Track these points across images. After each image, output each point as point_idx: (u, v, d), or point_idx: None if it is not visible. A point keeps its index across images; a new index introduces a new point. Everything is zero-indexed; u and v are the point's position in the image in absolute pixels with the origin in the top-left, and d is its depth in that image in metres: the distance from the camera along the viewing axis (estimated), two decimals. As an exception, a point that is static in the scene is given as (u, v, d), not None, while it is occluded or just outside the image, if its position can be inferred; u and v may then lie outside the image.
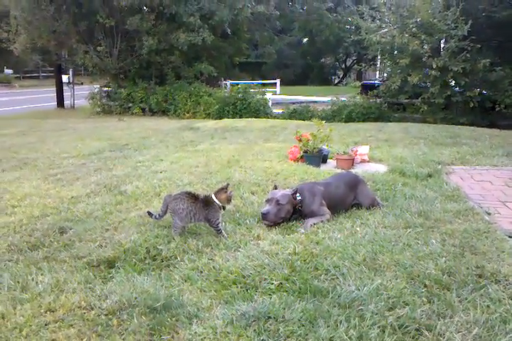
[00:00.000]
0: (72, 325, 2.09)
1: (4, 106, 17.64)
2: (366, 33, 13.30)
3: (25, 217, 3.59)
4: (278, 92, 22.41)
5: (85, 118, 13.52)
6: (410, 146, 7.20)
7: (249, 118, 12.55)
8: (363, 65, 16.17)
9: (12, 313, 2.18)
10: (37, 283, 2.50)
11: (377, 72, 24.07)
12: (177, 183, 4.79)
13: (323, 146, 5.77)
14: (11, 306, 2.25)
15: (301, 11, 32.84)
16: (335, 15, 31.09)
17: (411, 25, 12.55)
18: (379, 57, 17.84)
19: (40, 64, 33.85)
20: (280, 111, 14.61)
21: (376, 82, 17.15)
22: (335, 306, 2.26)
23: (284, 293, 2.40)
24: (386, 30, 14.04)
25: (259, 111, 14.20)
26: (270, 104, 14.94)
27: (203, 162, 5.87)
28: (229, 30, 16.19)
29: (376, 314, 2.13)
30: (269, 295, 2.40)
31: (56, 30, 14.04)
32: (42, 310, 2.21)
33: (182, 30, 14.53)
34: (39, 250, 2.99)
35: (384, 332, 2.00)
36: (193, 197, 3.30)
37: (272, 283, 2.52)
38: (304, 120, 12.90)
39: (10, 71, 34.53)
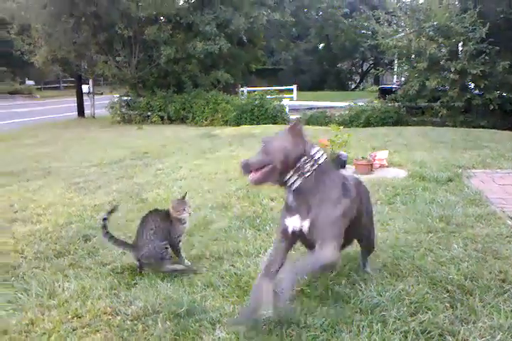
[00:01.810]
0: (98, 331, 2.14)
1: (26, 117, 18.05)
2: (382, 38, 13.26)
3: (51, 225, 3.68)
4: (295, 98, 22.46)
5: (105, 127, 13.75)
6: (430, 150, 7.14)
7: (267, 125, 12.59)
8: (380, 69, 16.09)
9: (41, 319, 2.24)
10: (63, 289, 2.56)
11: (395, 76, 23.99)
12: (197, 190, 4.85)
13: (341, 152, 5.77)
14: (39, 312, 2.31)
15: (316, 17, 32.94)
16: (350, 20, 31.11)
17: (428, 29, 12.48)
18: (396, 61, 17.77)
19: (61, 75, 34.60)
20: (297, 116, 14.62)
21: (394, 86, 17.06)
22: (357, 312, 2.26)
23: (306, 299, 2.42)
24: (403, 34, 13.99)
25: (276, 117, 14.24)
26: (287, 110, 14.97)
27: (222, 169, 5.92)
28: (245, 38, 16.31)
29: (398, 319, 2.13)
30: (291, 301, 2.42)
31: (76, 41, 14.36)
32: (69, 316, 2.26)
33: (199, 39, 14.71)
34: (65, 257, 3.07)
35: (407, 337, 2.00)
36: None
37: (294, 289, 2.53)
38: (321, 125, 12.88)
39: (31, 82, 35.33)
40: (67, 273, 2.80)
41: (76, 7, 13.86)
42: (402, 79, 16.05)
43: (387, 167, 5.87)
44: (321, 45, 39.62)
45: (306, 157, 2.07)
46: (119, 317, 2.24)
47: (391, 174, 5.38)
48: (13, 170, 6.25)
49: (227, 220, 3.81)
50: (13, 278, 2.75)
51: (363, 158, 5.57)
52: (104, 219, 2.91)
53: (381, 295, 2.40)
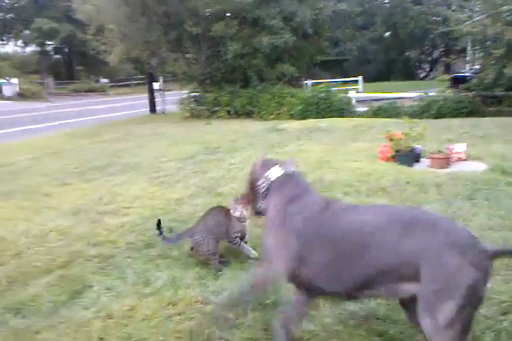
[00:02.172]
0: (192, 318, 2.29)
1: (102, 114, 19.04)
2: (456, 24, 12.66)
3: (138, 217, 3.93)
4: (360, 90, 21.97)
5: (176, 122, 14.22)
6: (510, 143, 6.79)
7: (333, 118, 12.46)
8: (453, 57, 15.37)
9: (139, 306, 2.42)
10: (156, 278, 2.75)
11: (467, 64, 22.80)
12: (270, 185, 4.95)
13: (416, 145, 5.64)
14: (137, 299, 2.50)
15: (384, 5, 31.91)
16: (420, 7, 29.83)
17: (505, 14, 11.74)
18: (469, 48, 16.89)
19: (132, 72, 36.12)
20: (364, 109, 14.34)
21: (467, 74, 16.24)
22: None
23: (390, 295, 2.43)
24: (477, 19, 13.27)
25: (342, 110, 14.04)
26: (354, 102, 14.72)
27: (293, 163, 5.98)
28: (310, 30, 16.18)
29: (489, 318, 2.10)
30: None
31: (148, 40, 14.92)
32: (164, 304, 2.44)
33: (264, 33, 14.78)
34: (153, 248, 3.27)
35: (499, 336, 1.97)
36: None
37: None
38: (389, 118, 12.56)
39: (105, 80, 37.18)
40: (157, 263, 2.99)
41: (148, 7, 14.38)
42: (477, 67, 15.26)
43: (464, 160, 5.68)
44: (387, 34, 38.37)
45: (262, 179, 2.07)
46: (210, 306, 2.38)
47: (469, 168, 5.20)
48: (97, 165, 6.67)
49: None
50: (110, 267, 2.98)
51: (439, 151, 5.41)
52: (161, 233, 3.13)
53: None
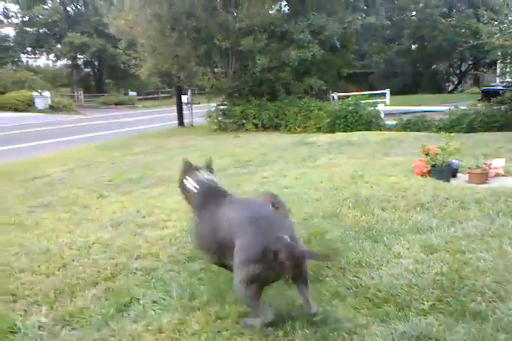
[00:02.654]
0: (242, 333, 2.28)
1: (131, 126, 19.42)
2: (488, 37, 12.50)
3: (177, 230, 3.97)
4: (388, 103, 21.85)
5: (204, 135, 14.38)
6: (549, 158, 6.62)
7: (363, 131, 12.40)
8: (484, 70, 15.17)
9: (188, 320, 2.44)
10: (201, 292, 2.77)
11: (498, 77, 22.43)
12: (304, 199, 4.94)
13: (453, 160, 5.56)
14: (184, 313, 2.52)
15: (412, 18, 31.89)
16: (449, 20, 29.69)
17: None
18: (499, 61, 16.64)
19: (160, 86, 36.78)
20: (393, 122, 14.23)
21: (499, 87, 15.97)
22: (498, 330, 2.20)
23: (440, 315, 2.39)
24: (510, 31, 13.08)
25: (371, 123, 13.96)
26: (382, 115, 14.62)
27: (326, 177, 5.96)
28: (338, 43, 16.23)
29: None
30: (424, 315, 2.40)
31: (178, 54, 15.20)
32: (212, 319, 2.44)
33: (293, 46, 14.90)
34: (195, 261, 3.29)
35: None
36: None
37: (424, 304, 2.51)
38: (419, 131, 12.44)
39: (134, 93, 37.99)
40: (200, 277, 3.01)
41: (178, 22, 14.69)
42: (508, 79, 15.01)
43: (503, 176, 5.56)
44: (414, 46, 38.19)
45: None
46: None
47: (510, 184, 5.09)
48: (131, 177, 6.79)
49: (340, 230, 3.84)
50: (154, 280, 3.01)
51: (477, 166, 5.32)
52: None
53: (522, 315, 2.32)
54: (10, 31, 37.91)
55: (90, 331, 2.40)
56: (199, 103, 19.29)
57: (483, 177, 5.31)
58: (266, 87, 16.17)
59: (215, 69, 15.46)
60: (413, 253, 3.20)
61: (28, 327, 2.47)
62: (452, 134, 5.74)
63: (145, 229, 4.10)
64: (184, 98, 18.43)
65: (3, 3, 37.45)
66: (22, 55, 39.85)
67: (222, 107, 16.44)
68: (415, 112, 14.97)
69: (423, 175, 5.60)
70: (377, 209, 4.34)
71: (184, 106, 18.65)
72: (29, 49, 38.49)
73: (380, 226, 3.85)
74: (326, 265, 3.12)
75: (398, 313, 2.44)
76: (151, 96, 39.17)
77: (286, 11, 17.55)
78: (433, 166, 5.52)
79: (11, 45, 37.50)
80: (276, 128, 15.31)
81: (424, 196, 4.66)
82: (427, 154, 5.57)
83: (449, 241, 3.41)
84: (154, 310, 2.59)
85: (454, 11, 32.67)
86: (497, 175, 5.54)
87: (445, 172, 5.47)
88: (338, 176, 5.99)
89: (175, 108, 19.23)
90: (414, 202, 4.51)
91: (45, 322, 2.52)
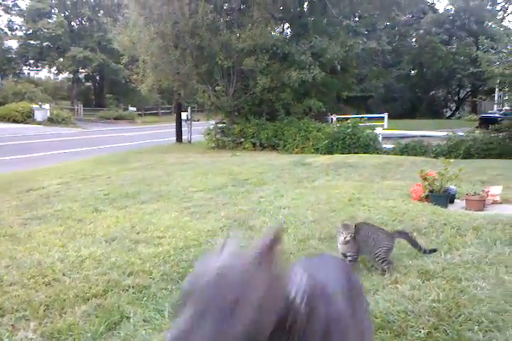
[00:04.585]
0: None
1: (130, 141, 19.45)
2: (487, 65, 12.71)
3: (171, 248, 3.92)
4: (386, 126, 22.02)
5: (202, 152, 14.40)
6: (547, 187, 6.64)
7: (361, 154, 12.46)
8: (482, 97, 15.38)
9: None
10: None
11: (496, 105, 22.72)
12: (302, 220, 4.91)
13: (451, 186, 5.57)
14: (176, 333, 2.45)
15: (412, 44, 32.50)
16: (449, 47, 30.25)
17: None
18: (497, 89, 16.89)
19: (160, 102, 36.99)
20: (391, 146, 14.31)
21: (497, 115, 16.16)
22: (496, 362, 2.16)
23: (437, 343, 2.35)
24: (509, 60, 13.32)
25: (368, 146, 14.04)
26: (380, 139, 14.72)
27: (324, 199, 5.94)
28: (338, 67, 16.44)
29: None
30: (420, 343, 2.36)
31: (179, 72, 15.35)
32: (204, 340, 2.38)
33: (294, 68, 15.07)
34: (189, 281, 3.23)
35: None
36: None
37: (420, 331, 2.47)
38: (416, 155, 12.51)
39: (134, 108, 38.17)
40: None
41: (181, 40, 14.88)
42: (506, 107, 15.22)
43: (500, 203, 5.56)
44: (413, 72, 38.76)
45: None
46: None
47: (507, 211, 5.08)
48: (127, 192, 6.74)
49: (337, 253, 3.80)
50: (145, 298, 2.96)
51: (475, 193, 5.32)
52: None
53: (520, 346, 2.28)
54: (13, 43, 38.28)
55: (78, 349, 2.34)
56: (198, 120, 19.38)
57: (481, 204, 5.30)
58: (265, 107, 16.31)
59: (216, 88, 15.59)
60: (409, 279, 3.16)
61: (15, 343, 2.41)
62: (451, 160, 5.75)
63: (139, 245, 4.04)
64: (184, 115, 18.52)
65: (8, 16, 37.92)
66: (24, 67, 40.15)
67: (221, 125, 16.52)
68: (413, 137, 15.07)
69: (420, 200, 5.59)
70: (374, 233, 4.31)
71: (183, 123, 18.73)
72: (31, 61, 38.79)
73: (376, 251, 3.81)
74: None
75: (394, 340, 2.39)
76: (151, 112, 39.35)
77: (289, 33, 17.85)
78: (431, 191, 5.51)
79: (14, 56, 37.81)
80: (274, 147, 15.37)
81: (421, 221, 4.64)
82: (425, 179, 5.57)
83: (445, 267, 3.37)
84: (145, 330, 2.53)
85: (454, 38, 33.28)
86: (494, 202, 5.54)
87: (443, 197, 5.46)
88: (336, 198, 5.97)
89: (174, 124, 19.31)
90: (412, 227, 4.48)
91: (32, 338, 2.46)
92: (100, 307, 2.81)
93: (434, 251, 3.57)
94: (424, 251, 3.52)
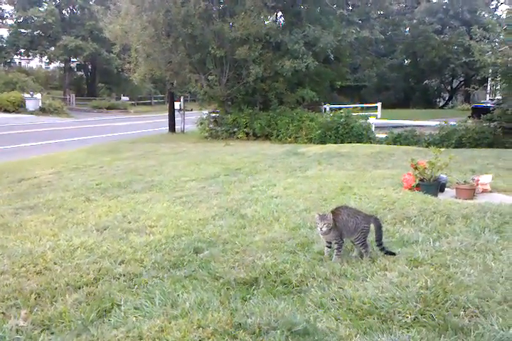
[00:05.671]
0: (224, 342, 2.26)
1: (122, 131, 19.35)
2: (480, 55, 12.70)
3: (163, 236, 3.93)
4: (379, 116, 22.04)
5: (195, 142, 14.37)
6: (537, 175, 6.70)
7: (353, 144, 12.48)
8: (475, 87, 15.38)
9: (169, 327, 2.40)
10: (183, 300, 2.73)
11: (488, 94, 22.77)
12: (293, 209, 4.94)
13: (441, 175, 5.60)
14: (166, 321, 2.49)
15: (405, 33, 32.38)
16: (442, 36, 30.19)
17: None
18: (490, 79, 16.90)
19: (152, 91, 36.80)
20: (383, 135, 14.34)
21: (489, 105, 16.20)
22: (480, 345, 2.20)
23: (423, 328, 2.39)
24: (501, 49, 13.31)
25: (361, 135, 14.05)
26: (373, 128, 14.73)
27: (316, 188, 5.97)
28: (332, 56, 16.36)
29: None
30: (407, 328, 2.40)
31: (172, 61, 15.23)
32: (194, 326, 2.41)
33: (287, 57, 14.98)
34: (180, 268, 3.26)
35: None
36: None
37: (407, 317, 2.51)
38: (409, 145, 12.55)
39: (126, 98, 37.90)
40: (184, 284, 2.98)
41: (174, 29, 14.74)
42: (498, 97, 15.25)
43: (490, 192, 5.62)
44: (407, 61, 38.71)
45: None
46: (241, 331, 2.35)
47: (496, 200, 5.13)
48: (119, 181, 6.73)
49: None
50: (136, 286, 2.98)
51: (465, 182, 5.36)
52: None
53: (504, 330, 2.32)
54: (4, 32, 37.72)
55: (69, 336, 2.36)
56: (192, 110, 19.30)
57: (471, 192, 5.35)
58: (259, 97, 16.25)
59: (209, 77, 15.50)
60: (398, 266, 3.20)
61: (6, 331, 2.42)
62: (442, 149, 5.78)
63: (130, 234, 4.06)
64: (177, 104, 18.42)
65: (-2, 4, 37.31)
66: (15, 56, 39.62)
67: (214, 115, 16.46)
68: (406, 126, 15.10)
69: (411, 188, 5.63)
70: (365, 221, 4.34)
71: (176, 113, 18.64)
72: (22, 50, 38.25)
73: (366, 238, 3.85)
74: (311, 275, 3.11)
75: (381, 325, 2.43)
76: (144, 101, 39.09)
77: (282, 22, 17.72)
78: (421, 180, 5.55)
79: (4, 45, 37.28)
80: (267, 137, 15.36)
81: (411, 210, 4.68)
82: (416, 168, 5.60)
83: (434, 255, 3.42)
84: (136, 317, 2.55)
85: (447, 28, 33.21)
86: (484, 191, 5.59)
87: (433, 186, 5.50)
88: (327, 187, 6.00)
89: (167, 114, 19.21)
90: (402, 215, 4.53)
91: (23, 326, 2.47)
92: (91, 295, 2.83)
93: (393, 254, 3.41)
94: (383, 249, 3.42)
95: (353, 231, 3.41)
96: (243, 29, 14.20)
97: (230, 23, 14.74)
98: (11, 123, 21.07)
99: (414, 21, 33.00)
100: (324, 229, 3.36)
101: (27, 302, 2.75)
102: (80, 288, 2.94)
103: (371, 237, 3.51)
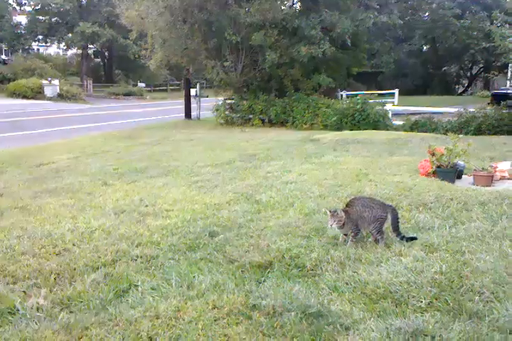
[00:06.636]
0: (238, 323, 2.30)
1: (139, 117, 19.45)
2: (501, 40, 12.40)
3: (179, 220, 3.98)
4: (396, 103, 21.76)
5: (210, 129, 14.40)
6: (556, 163, 6.57)
7: (370, 131, 12.36)
8: (495, 73, 15.06)
9: (185, 308, 2.45)
10: (199, 281, 2.78)
11: (509, 81, 22.28)
12: (308, 195, 4.94)
13: (459, 161, 5.54)
14: (182, 301, 2.53)
15: (425, 18, 31.67)
16: (462, 21, 29.45)
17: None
18: (510, 64, 16.53)
19: (168, 78, 36.77)
20: (400, 122, 14.18)
21: (509, 91, 15.87)
22: (494, 330, 2.20)
23: (437, 312, 2.39)
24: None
25: (378, 122, 13.90)
26: (390, 115, 14.56)
27: (331, 174, 5.95)
28: (349, 41, 16.13)
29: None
30: (421, 312, 2.41)
31: (188, 47, 15.18)
32: (209, 307, 2.45)
33: (303, 43, 14.81)
34: (196, 251, 3.31)
35: None
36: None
37: (421, 301, 2.52)
38: (426, 132, 12.40)
39: (143, 84, 38.01)
40: (200, 267, 3.02)
41: (190, 14, 14.65)
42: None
43: (508, 179, 5.53)
44: (425, 47, 37.99)
45: None
46: (256, 312, 2.39)
47: (514, 187, 5.06)
48: (136, 167, 6.80)
49: (343, 226, 3.84)
50: (153, 268, 3.03)
51: (483, 168, 5.29)
52: None
53: (519, 316, 2.31)
54: (22, 19, 37.97)
55: (88, 315, 2.42)
56: (207, 96, 19.27)
57: (489, 179, 5.28)
58: (274, 83, 16.13)
59: (225, 63, 15.40)
60: (413, 252, 3.19)
61: (27, 309, 2.50)
62: (460, 136, 5.69)
63: (147, 217, 4.11)
64: (193, 91, 18.41)
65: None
66: (33, 43, 39.91)
67: (229, 101, 16.42)
68: (423, 113, 14.89)
69: (428, 175, 5.58)
70: (380, 208, 4.32)
71: (192, 99, 18.64)
72: (40, 37, 38.49)
73: (381, 224, 3.84)
74: (326, 260, 3.12)
75: (395, 309, 2.44)
76: (160, 88, 39.14)
77: (298, 7, 17.48)
78: (438, 167, 5.49)
79: (23, 32, 37.55)
80: (282, 124, 15.29)
81: (427, 196, 4.64)
82: (433, 154, 5.54)
83: (450, 241, 3.40)
84: (152, 297, 2.61)
85: (468, 12, 32.39)
86: (502, 178, 5.52)
87: (450, 173, 5.44)
88: (343, 173, 5.98)
89: (183, 100, 19.22)
90: (418, 201, 4.50)
91: (43, 305, 2.54)
92: (109, 276, 2.89)
93: (414, 239, 3.41)
94: (403, 238, 3.39)
95: (370, 221, 3.40)
96: (259, 14, 14.05)
97: (247, 9, 14.58)
98: (29, 109, 21.32)
99: (434, 6, 32.22)
100: (335, 226, 3.39)
101: (47, 282, 2.82)
102: (98, 269, 3.00)
103: (386, 225, 3.51)
